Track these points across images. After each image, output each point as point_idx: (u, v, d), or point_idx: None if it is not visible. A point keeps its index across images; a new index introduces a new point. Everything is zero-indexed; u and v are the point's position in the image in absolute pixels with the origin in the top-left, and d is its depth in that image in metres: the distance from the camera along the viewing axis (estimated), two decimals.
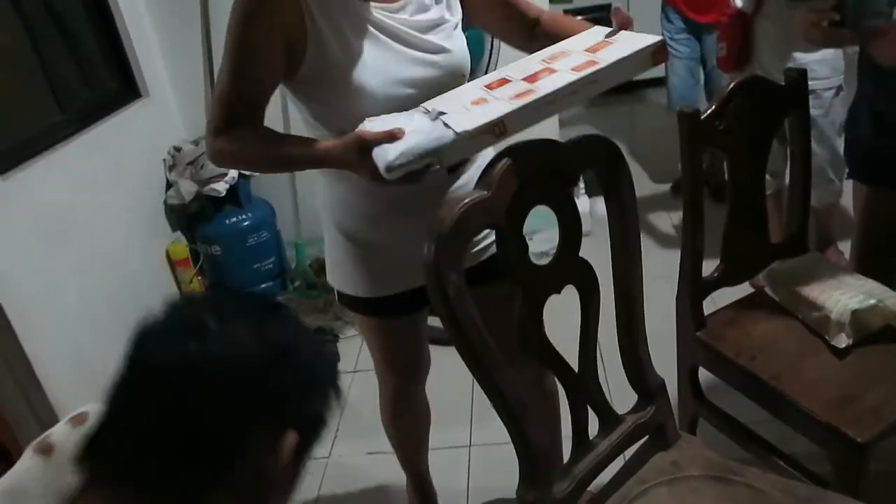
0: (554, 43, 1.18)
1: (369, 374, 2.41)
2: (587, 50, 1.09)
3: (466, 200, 0.95)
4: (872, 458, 1.27)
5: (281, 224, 3.12)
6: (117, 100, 2.71)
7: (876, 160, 1.63)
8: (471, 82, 1.17)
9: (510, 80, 1.09)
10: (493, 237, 1.34)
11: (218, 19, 2.90)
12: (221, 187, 2.79)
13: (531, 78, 1.06)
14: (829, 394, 1.34)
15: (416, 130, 1.00)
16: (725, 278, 1.58)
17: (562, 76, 1.03)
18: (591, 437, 1.20)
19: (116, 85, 2.77)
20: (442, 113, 1.02)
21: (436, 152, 0.97)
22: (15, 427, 2.11)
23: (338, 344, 2.64)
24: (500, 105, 1.01)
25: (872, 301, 1.41)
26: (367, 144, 1.02)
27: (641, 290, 1.19)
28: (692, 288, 1.54)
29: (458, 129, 0.97)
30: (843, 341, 1.41)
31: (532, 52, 1.17)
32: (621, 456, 1.26)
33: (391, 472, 1.91)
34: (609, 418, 1.22)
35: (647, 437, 1.28)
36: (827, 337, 1.44)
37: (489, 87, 1.10)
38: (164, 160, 2.90)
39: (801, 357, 1.44)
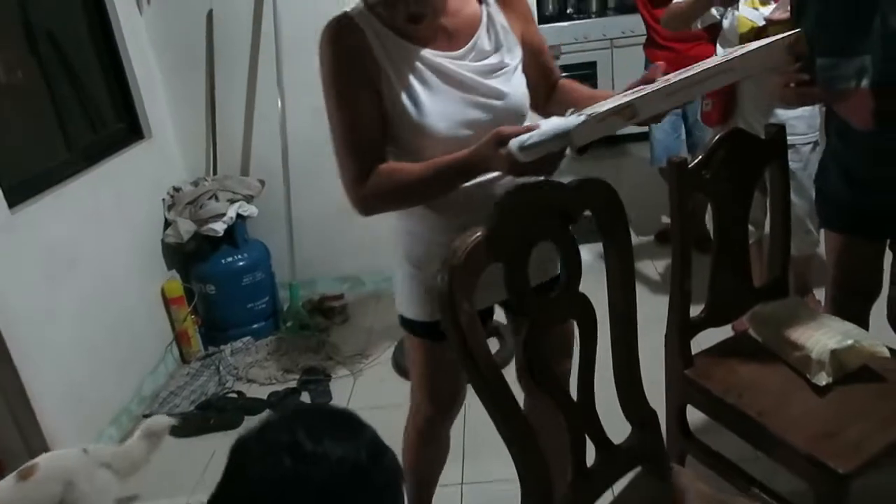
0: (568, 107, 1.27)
1: (362, 413, 2.43)
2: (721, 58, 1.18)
3: (478, 234, 1.03)
4: (853, 495, 1.33)
5: (276, 265, 3.19)
6: (122, 140, 2.80)
7: (845, 211, 1.71)
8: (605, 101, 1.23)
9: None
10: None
11: (222, 66, 3.02)
12: (220, 227, 2.85)
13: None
14: (812, 429, 1.40)
15: (549, 122, 1.10)
16: (711, 319, 1.66)
17: (694, 68, 1.10)
18: (588, 466, 1.25)
19: (122, 126, 2.86)
20: (573, 111, 1.12)
21: (567, 133, 1.04)
22: (6, 459, 2.11)
23: (329, 384, 2.67)
24: (630, 95, 1.09)
25: (850, 342, 1.49)
26: (503, 137, 1.11)
27: (636, 321, 1.26)
28: (681, 328, 1.61)
29: (588, 113, 1.05)
30: (823, 379, 1.48)
31: (546, 115, 1.28)
32: (616, 484, 1.31)
33: None
34: (606, 447, 1.28)
35: (640, 466, 1.33)
36: (808, 375, 1.51)
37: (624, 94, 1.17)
38: (164, 200, 2.96)
39: (785, 395, 1.51)
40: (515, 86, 1.33)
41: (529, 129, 1.10)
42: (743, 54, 1.10)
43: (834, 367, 1.48)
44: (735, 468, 1.65)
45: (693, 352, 1.69)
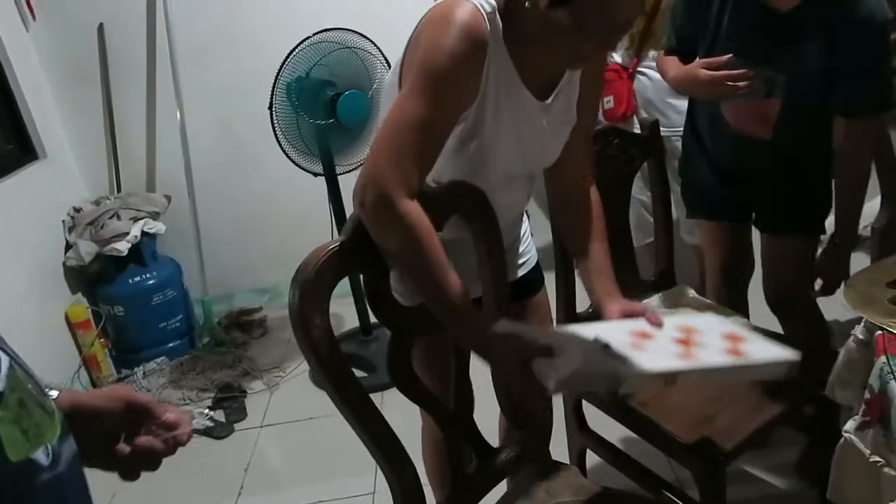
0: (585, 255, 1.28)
1: (277, 428, 2.44)
2: (726, 336, 1.14)
3: (330, 248, 1.02)
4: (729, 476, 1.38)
5: (189, 282, 3.11)
6: (12, 162, 2.68)
7: (714, 199, 1.79)
8: (607, 324, 1.18)
9: (656, 337, 1.11)
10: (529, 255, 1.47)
11: (118, 81, 2.94)
12: (123, 247, 2.76)
13: (680, 342, 1.09)
14: (690, 416, 1.45)
15: (587, 352, 1.01)
16: (599, 314, 1.69)
17: (719, 356, 1.05)
18: (469, 472, 1.26)
19: (11, 147, 2.74)
20: (607, 346, 1.02)
21: (616, 377, 0.95)
22: None
23: (245, 400, 2.63)
24: (668, 358, 1.03)
25: None
26: (528, 355, 0.98)
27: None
28: (568, 323, 1.64)
29: (646, 366, 0.98)
30: None
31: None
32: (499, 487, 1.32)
33: None
34: (486, 452, 1.28)
35: (523, 468, 1.34)
36: None
37: (635, 333, 1.11)
38: (64, 221, 2.86)
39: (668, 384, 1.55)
40: (559, 147, 1.28)
41: (551, 352, 0.97)
42: (759, 363, 1.07)
43: None
44: (631, 461, 1.68)
45: None
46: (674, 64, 1.63)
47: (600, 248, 1.30)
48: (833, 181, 1.63)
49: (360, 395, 1.05)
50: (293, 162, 2.47)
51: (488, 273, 1.23)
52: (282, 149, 2.43)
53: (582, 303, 1.67)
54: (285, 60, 2.33)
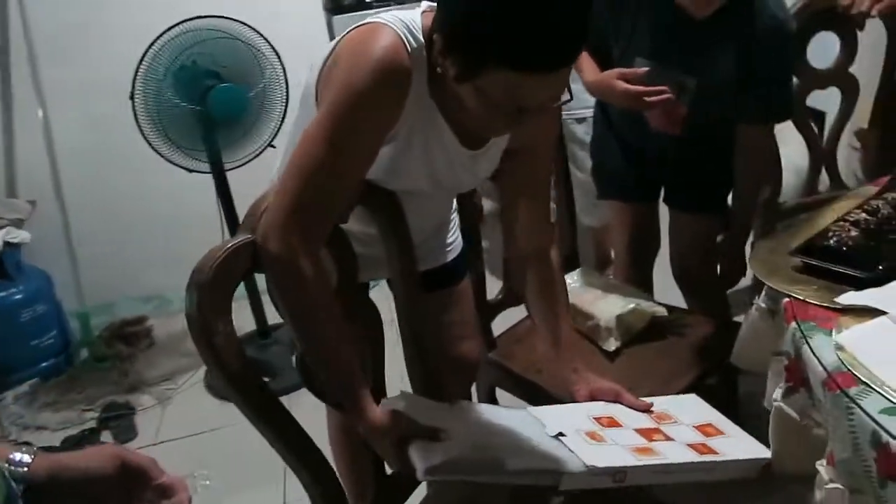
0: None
1: (173, 444, 2.27)
2: (697, 427, 1.11)
3: (227, 247, 0.93)
4: None
5: (62, 294, 2.85)
6: None
7: (624, 180, 1.85)
8: (573, 406, 1.16)
9: (621, 425, 1.09)
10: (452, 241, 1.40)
11: None
12: None
13: (645, 433, 1.07)
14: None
15: (533, 444, 0.97)
16: (509, 299, 1.68)
17: (682, 450, 1.02)
18: (391, 473, 1.20)
19: None
20: (562, 434, 0.99)
21: (555, 473, 0.93)
22: None
23: (134, 418, 2.43)
24: (622, 453, 0.99)
25: (632, 305, 1.56)
26: (407, 434, 0.94)
27: (425, 313, 1.23)
28: (480, 310, 1.61)
29: (588, 462, 0.93)
30: (612, 345, 1.55)
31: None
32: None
33: None
34: None
35: None
36: (599, 343, 1.57)
37: (599, 420, 1.09)
38: None
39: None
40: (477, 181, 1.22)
41: (436, 435, 0.93)
42: (727, 461, 1.04)
43: (620, 331, 1.55)
44: None
45: (496, 333, 1.70)
46: (590, 66, 1.63)
47: (565, 319, 1.28)
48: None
49: (272, 402, 0.97)
50: (164, 158, 2.31)
51: (398, 268, 1.18)
52: (148, 143, 2.26)
53: (492, 288, 1.66)
54: (150, 46, 2.17)
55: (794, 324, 0.99)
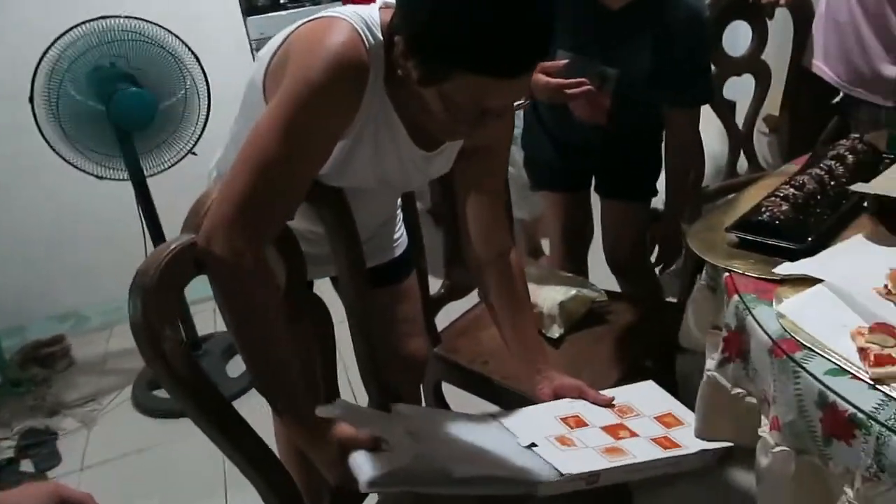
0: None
1: (102, 468, 2.16)
2: (658, 418, 1.13)
3: (172, 247, 0.88)
4: None
5: None
6: None
7: (556, 172, 1.89)
8: (539, 407, 1.17)
9: (587, 424, 1.10)
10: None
11: None
12: None
13: (611, 431, 1.09)
14: None
15: (503, 453, 0.96)
16: (451, 294, 1.68)
17: (648, 447, 1.05)
18: None
19: None
20: (534, 444, 0.98)
21: (527, 483, 0.92)
22: None
23: (56, 443, 2.29)
24: (594, 455, 1.01)
25: (574, 291, 1.59)
26: (348, 445, 0.91)
27: (370, 309, 1.21)
28: (423, 306, 1.60)
29: (563, 469, 0.93)
30: (556, 332, 1.57)
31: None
32: None
33: None
34: None
35: None
36: (543, 330, 1.59)
37: (566, 421, 1.10)
38: None
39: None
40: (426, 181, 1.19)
41: (377, 444, 0.91)
42: (690, 454, 1.07)
43: (563, 318, 1.57)
44: None
45: (441, 327, 1.70)
46: None
47: (528, 320, 1.28)
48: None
49: (227, 409, 0.93)
50: (67, 161, 2.18)
51: (345, 265, 1.16)
52: (50, 146, 2.14)
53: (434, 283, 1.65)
54: (51, 46, 2.05)
55: (736, 297, 1.03)
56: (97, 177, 2.24)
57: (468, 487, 0.93)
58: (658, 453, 1.06)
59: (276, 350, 0.94)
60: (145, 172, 2.24)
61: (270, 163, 0.90)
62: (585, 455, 1.02)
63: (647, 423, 1.14)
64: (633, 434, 1.10)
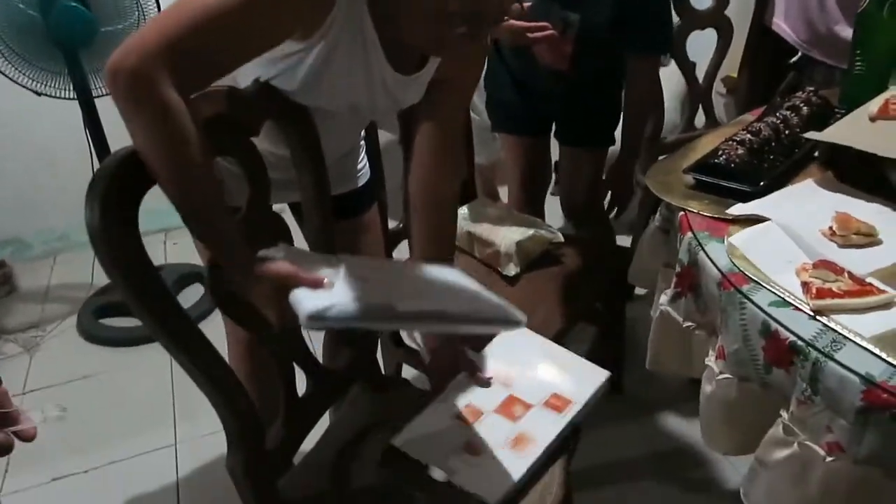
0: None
1: (44, 392, 2.12)
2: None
3: (128, 151, 0.86)
4: None
5: None
6: None
7: (517, 116, 1.90)
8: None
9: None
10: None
11: None
12: None
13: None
14: None
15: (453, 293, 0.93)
16: (407, 229, 1.68)
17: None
18: (300, 394, 1.19)
19: None
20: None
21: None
22: None
23: None
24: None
25: (531, 232, 1.62)
26: (288, 284, 0.84)
27: (331, 237, 1.20)
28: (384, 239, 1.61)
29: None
30: (512, 270, 1.60)
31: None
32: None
33: (81, 494, 1.74)
34: (317, 372, 1.22)
35: (354, 385, 1.31)
36: (499, 268, 1.62)
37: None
38: None
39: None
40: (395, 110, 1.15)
41: (318, 284, 0.84)
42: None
43: (520, 257, 1.60)
44: None
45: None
46: None
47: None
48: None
49: (186, 322, 0.92)
50: (4, 74, 2.05)
51: (310, 190, 1.14)
52: None
53: (394, 214, 1.66)
54: None
55: (689, 234, 1.07)
56: (35, 92, 2.12)
57: (413, 324, 0.92)
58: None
59: (201, 188, 0.86)
60: (94, 92, 2.15)
61: (221, 14, 0.82)
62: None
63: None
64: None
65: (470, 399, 1.16)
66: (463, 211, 1.75)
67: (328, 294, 0.84)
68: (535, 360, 1.21)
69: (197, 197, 0.86)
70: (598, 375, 1.16)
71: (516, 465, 1.04)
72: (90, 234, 0.83)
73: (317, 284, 0.85)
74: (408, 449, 1.10)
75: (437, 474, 1.06)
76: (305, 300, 0.82)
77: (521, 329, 1.13)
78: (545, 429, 1.08)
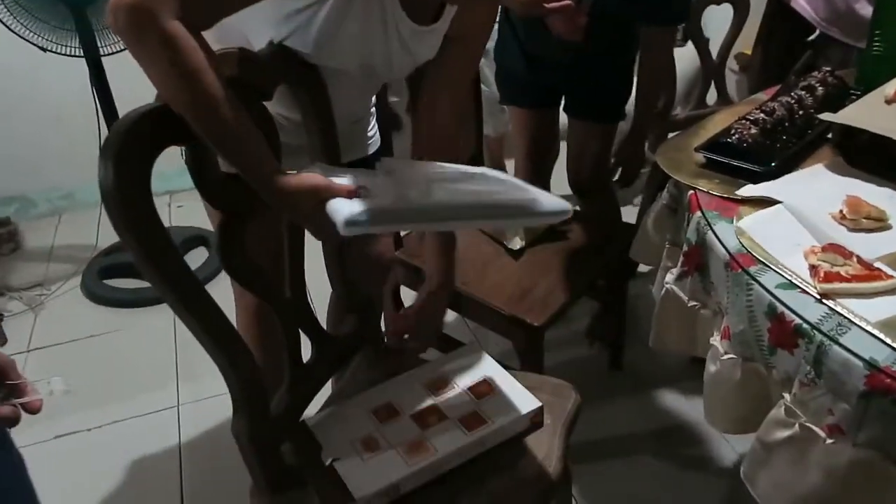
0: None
1: (49, 350, 2.14)
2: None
3: (146, 109, 0.85)
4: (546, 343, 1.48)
5: None
6: None
7: (524, 87, 1.86)
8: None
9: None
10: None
11: None
12: None
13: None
14: (509, 291, 1.51)
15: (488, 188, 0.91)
16: None
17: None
18: (305, 360, 1.20)
19: None
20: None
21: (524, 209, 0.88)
22: None
23: (1, 324, 2.26)
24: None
25: None
26: (323, 196, 0.85)
27: None
28: None
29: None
30: (517, 244, 1.60)
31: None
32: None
33: (84, 452, 1.78)
34: (322, 340, 1.23)
35: (359, 352, 1.31)
36: (504, 242, 1.62)
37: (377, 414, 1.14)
38: None
39: (486, 263, 1.60)
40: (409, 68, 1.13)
41: (353, 193, 0.85)
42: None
43: (525, 231, 1.60)
44: (447, 338, 1.73)
45: (402, 233, 1.71)
46: None
47: (451, 248, 1.25)
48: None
49: (194, 284, 0.93)
50: (11, 30, 2.02)
51: (321, 154, 1.14)
52: None
53: None
54: None
55: (698, 213, 1.06)
56: (41, 48, 2.10)
57: (452, 222, 0.91)
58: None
59: (222, 115, 0.85)
60: (101, 51, 2.13)
61: None
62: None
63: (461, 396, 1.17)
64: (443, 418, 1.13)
65: (395, 398, 1.17)
66: None
67: (364, 201, 0.85)
68: (473, 379, 1.20)
69: (218, 126, 0.85)
70: (528, 403, 1.13)
71: (396, 470, 1.03)
72: (102, 192, 0.83)
73: (351, 193, 0.86)
74: (315, 429, 1.12)
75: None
76: (342, 208, 0.83)
77: (474, 351, 1.23)
78: (445, 443, 1.07)
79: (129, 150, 0.82)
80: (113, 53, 2.13)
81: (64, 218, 2.90)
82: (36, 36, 2.06)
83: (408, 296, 1.73)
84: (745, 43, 2.19)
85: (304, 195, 0.87)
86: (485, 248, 1.65)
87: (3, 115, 2.69)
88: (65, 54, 2.12)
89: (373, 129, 1.40)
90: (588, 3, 1.55)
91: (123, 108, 2.16)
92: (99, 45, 2.11)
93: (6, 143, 2.73)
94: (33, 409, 0.72)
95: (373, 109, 1.41)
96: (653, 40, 1.69)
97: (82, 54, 2.11)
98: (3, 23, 2.01)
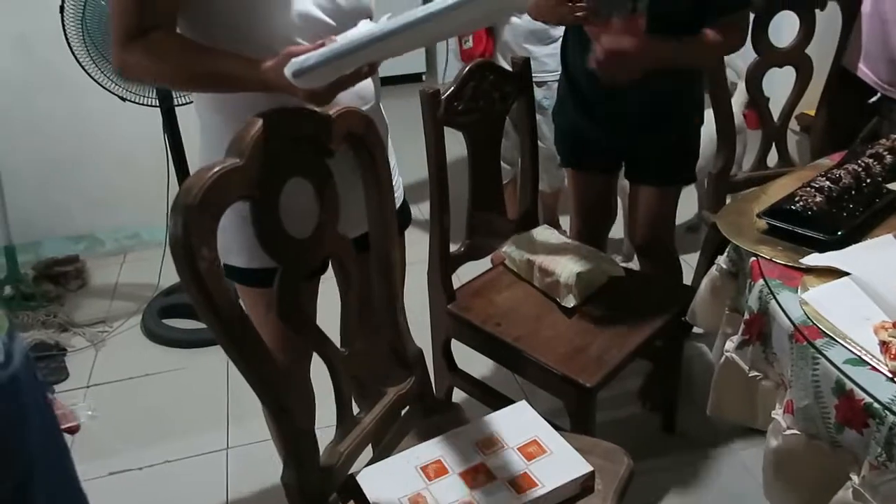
0: None
1: (108, 387, 2.20)
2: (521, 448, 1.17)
3: (216, 169, 0.89)
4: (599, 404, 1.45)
5: None
6: None
7: (582, 146, 1.81)
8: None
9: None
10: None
11: None
12: None
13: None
14: (562, 348, 1.49)
15: (348, 35, 0.93)
16: (470, 253, 1.69)
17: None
18: (355, 414, 1.20)
19: None
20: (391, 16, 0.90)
21: (356, 50, 0.88)
22: None
23: (65, 358, 2.34)
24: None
25: (593, 263, 1.60)
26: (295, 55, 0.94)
27: (397, 259, 1.22)
28: (441, 263, 1.62)
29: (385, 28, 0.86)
30: (571, 301, 1.58)
31: None
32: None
33: (135, 491, 1.79)
34: (371, 393, 1.23)
35: (408, 407, 1.31)
36: (558, 299, 1.61)
37: (425, 470, 1.15)
38: None
39: (538, 319, 1.59)
40: None
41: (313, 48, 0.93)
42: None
43: (580, 288, 1.59)
44: (496, 394, 1.71)
45: (455, 286, 1.71)
46: None
47: None
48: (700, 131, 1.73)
49: (251, 334, 0.95)
50: (93, 79, 2.12)
51: (375, 202, 1.17)
52: (77, 61, 2.09)
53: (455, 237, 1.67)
54: None
55: (761, 281, 1.04)
56: (121, 98, 2.21)
57: (405, 41, 0.90)
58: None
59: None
60: (175, 101, 2.23)
61: None
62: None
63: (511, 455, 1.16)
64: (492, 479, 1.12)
65: (444, 455, 1.17)
66: (524, 237, 1.75)
67: (319, 51, 0.90)
68: (522, 438, 1.19)
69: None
70: (579, 467, 1.12)
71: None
72: (171, 245, 0.87)
73: (315, 48, 0.92)
74: (363, 483, 1.12)
75: None
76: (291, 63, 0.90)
77: (524, 410, 1.24)
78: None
79: (199, 208, 0.85)
80: (185, 104, 2.23)
81: (129, 257, 3.00)
82: (116, 86, 2.18)
83: (457, 349, 1.73)
84: (806, 104, 2.15)
85: (282, 64, 0.95)
86: (537, 303, 1.64)
87: (79, 158, 2.82)
88: (142, 104, 2.23)
89: (396, 177, 1.38)
90: (644, 8, 1.42)
91: (191, 152, 2.27)
92: (174, 95, 2.22)
93: (79, 184, 2.86)
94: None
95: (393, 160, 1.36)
96: (728, 29, 1.52)
97: (157, 104, 2.22)
98: (88, 73, 2.13)
